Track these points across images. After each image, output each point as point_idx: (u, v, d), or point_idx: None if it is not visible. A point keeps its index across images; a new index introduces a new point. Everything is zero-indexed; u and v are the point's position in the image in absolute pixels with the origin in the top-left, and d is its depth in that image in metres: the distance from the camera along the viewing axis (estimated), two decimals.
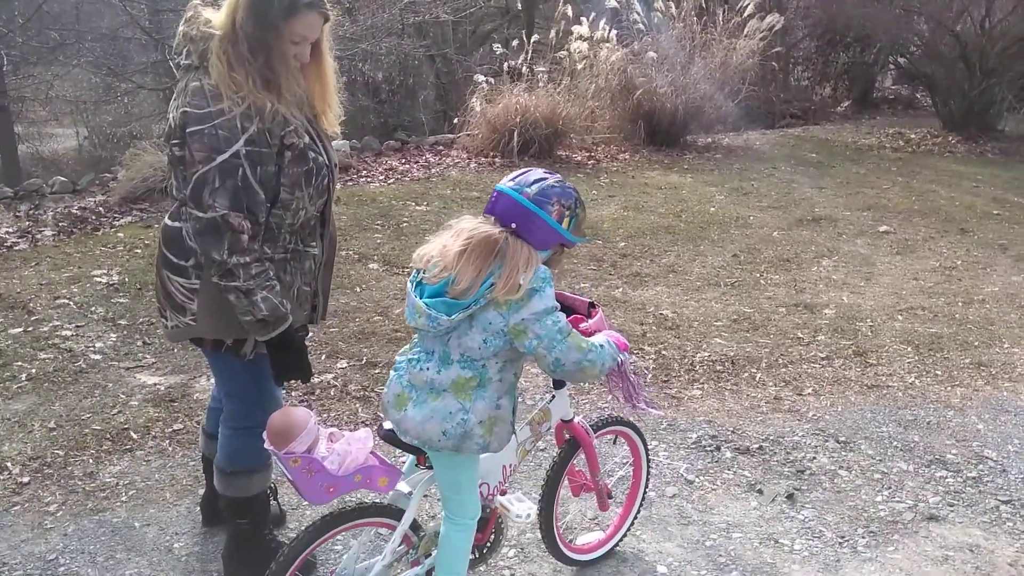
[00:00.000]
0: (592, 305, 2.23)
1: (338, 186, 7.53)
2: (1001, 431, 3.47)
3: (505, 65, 9.12)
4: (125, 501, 2.89)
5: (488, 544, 2.27)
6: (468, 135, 8.56)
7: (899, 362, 4.11)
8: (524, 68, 8.84)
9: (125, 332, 4.19)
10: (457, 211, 6.13)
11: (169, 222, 2.16)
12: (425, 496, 2.19)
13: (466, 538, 2.09)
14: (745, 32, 9.96)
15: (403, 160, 8.35)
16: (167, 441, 3.27)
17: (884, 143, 10.01)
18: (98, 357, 3.93)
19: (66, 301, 4.52)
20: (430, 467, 2.08)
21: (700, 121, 9.68)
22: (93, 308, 4.45)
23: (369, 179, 7.71)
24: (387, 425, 2.05)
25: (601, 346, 1.98)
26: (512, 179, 1.95)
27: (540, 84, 8.68)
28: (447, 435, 1.92)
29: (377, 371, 3.86)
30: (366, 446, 1.98)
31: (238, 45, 1.98)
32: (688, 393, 3.74)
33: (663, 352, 4.14)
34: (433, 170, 7.85)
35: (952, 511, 2.91)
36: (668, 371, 3.95)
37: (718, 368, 3.99)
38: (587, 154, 9.21)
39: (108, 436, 3.27)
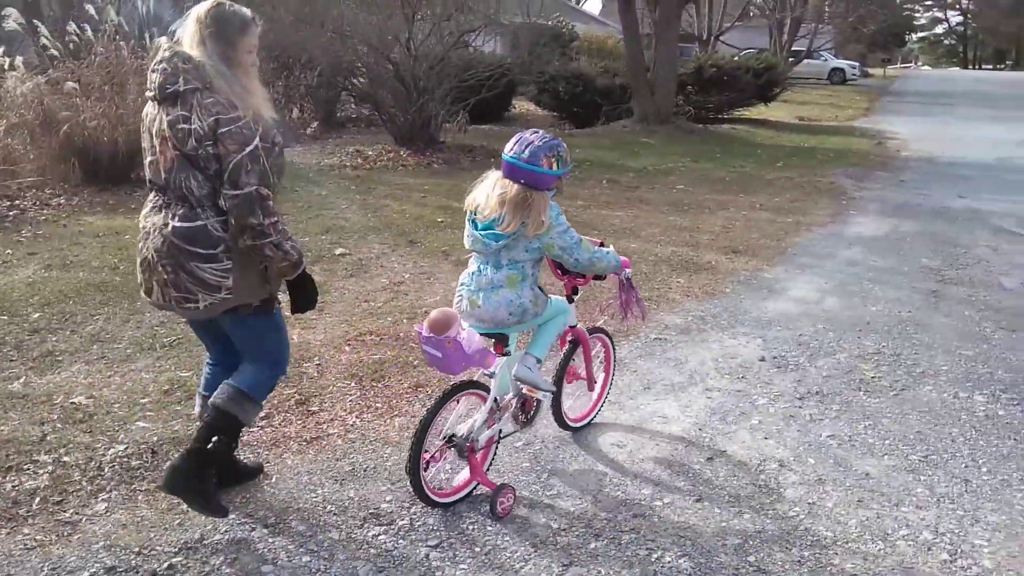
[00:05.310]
0: (601, 245, 3.18)
1: None
2: None
3: None
4: None
5: (533, 411, 3.26)
6: None
7: (341, 402, 3.85)
8: None
9: None
10: None
11: (184, 224, 2.66)
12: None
13: (559, 325, 3.27)
14: None
15: None
16: None
17: (345, 162, 10.24)
18: None
19: None
20: (506, 354, 3.03)
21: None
22: None
23: None
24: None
25: (607, 251, 3.13)
26: (510, 149, 2.87)
27: None
28: (512, 315, 2.96)
29: None
30: (477, 335, 2.87)
31: (219, 67, 2.63)
32: (88, 512, 2.95)
33: (63, 459, 3.27)
34: None
35: None
36: (65, 487, 3.09)
37: (134, 464, 3.26)
38: (9, 203, 7.68)
39: None
